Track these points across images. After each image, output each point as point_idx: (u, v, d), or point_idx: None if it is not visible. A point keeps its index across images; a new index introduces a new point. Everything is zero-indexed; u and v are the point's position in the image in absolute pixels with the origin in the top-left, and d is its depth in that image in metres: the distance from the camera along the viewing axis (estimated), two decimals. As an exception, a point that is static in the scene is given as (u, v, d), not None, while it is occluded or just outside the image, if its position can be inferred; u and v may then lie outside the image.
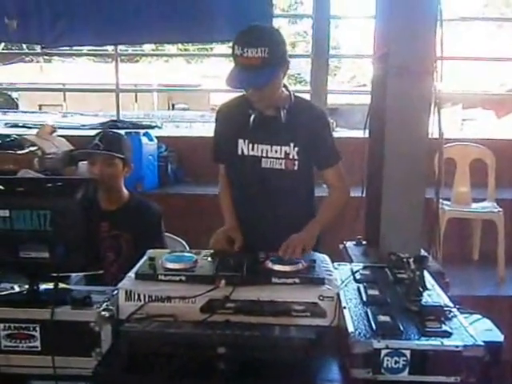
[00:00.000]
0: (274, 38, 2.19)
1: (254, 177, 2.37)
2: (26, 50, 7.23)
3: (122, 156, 2.62)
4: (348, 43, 23.12)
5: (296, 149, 2.32)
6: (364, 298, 1.78)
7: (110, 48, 6.00)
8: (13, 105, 21.02)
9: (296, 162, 2.33)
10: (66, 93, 18.33)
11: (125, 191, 2.72)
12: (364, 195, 2.94)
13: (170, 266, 1.87)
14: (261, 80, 2.15)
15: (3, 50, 6.31)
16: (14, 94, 21.09)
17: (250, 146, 2.34)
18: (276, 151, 2.33)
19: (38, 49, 5.78)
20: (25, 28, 4.32)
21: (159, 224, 2.71)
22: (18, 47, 6.97)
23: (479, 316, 1.78)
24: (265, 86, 2.19)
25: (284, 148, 2.32)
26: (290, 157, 2.32)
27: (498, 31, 17.96)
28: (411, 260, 1.89)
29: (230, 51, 2.21)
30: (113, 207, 2.63)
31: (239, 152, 2.36)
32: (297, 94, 2.43)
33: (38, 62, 19.72)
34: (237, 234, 2.30)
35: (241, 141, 2.35)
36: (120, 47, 5.99)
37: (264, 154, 2.34)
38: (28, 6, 4.26)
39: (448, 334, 1.54)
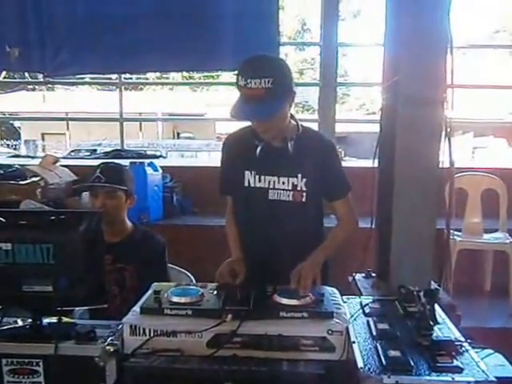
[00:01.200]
0: (278, 68, 2.17)
1: (261, 208, 2.34)
2: (29, 79, 7.27)
3: (124, 188, 2.60)
4: (356, 71, 23.38)
5: (304, 180, 2.30)
6: (374, 332, 1.74)
7: (113, 76, 6.02)
8: (15, 134, 21.17)
9: (304, 194, 2.30)
10: (69, 121, 18.45)
11: (128, 223, 2.70)
12: (373, 226, 2.91)
13: (176, 299, 1.84)
14: (265, 112, 2.12)
15: (5, 78, 6.37)
16: (17, 123, 21.25)
17: (257, 177, 2.32)
18: (283, 183, 2.30)
19: (41, 77, 5.80)
20: (27, 57, 4.33)
21: (163, 256, 2.68)
22: (20, 76, 7.00)
23: (491, 351, 1.75)
24: (270, 118, 2.17)
25: (291, 180, 2.30)
26: (298, 188, 2.30)
27: (510, 58, 18.08)
28: (421, 293, 1.87)
29: (235, 79, 2.19)
30: (116, 239, 2.60)
31: (246, 184, 2.34)
32: (304, 124, 2.41)
33: (40, 90, 19.86)
34: (240, 267, 2.26)
35: (247, 172, 2.33)
36: (124, 75, 6.01)
37: (271, 186, 2.31)
38: (30, 34, 4.28)
39: (459, 370, 1.50)
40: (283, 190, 2.30)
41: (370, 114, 22.85)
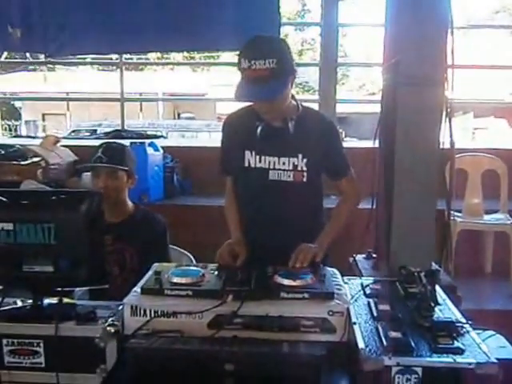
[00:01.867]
0: (280, 49, 2.17)
1: (261, 189, 2.34)
2: (30, 59, 7.24)
3: (125, 168, 2.59)
4: (356, 51, 23.25)
5: (305, 160, 2.29)
6: (374, 314, 1.74)
7: (114, 57, 6.00)
8: (16, 114, 21.12)
9: (305, 174, 2.30)
10: (69, 102, 18.39)
11: (129, 203, 2.69)
12: (374, 207, 2.90)
13: (177, 280, 1.84)
14: (270, 92, 2.13)
15: (6, 58, 6.36)
16: (18, 103, 21.18)
17: (257, 157, 2.32)
18: (284, 163, 2.30)
19: (42, 58, 5.77)
20: (28, 37, 4.31)
21: (164, 237, 2.68)
22: (21, 56, 6.95)
23: (492, 332, 1.76)
24: (274, 98, 2.17)
25: (292, 160, 2.29)
26: (299, 168, 2.30)
27: (510, 38, 17.97)
28: (422, 274, 1.86)
29: (236, 60, 2.18)
30: (117, 220, 2.59)
31: (246, 164, 2.34)
32: (305, 104, 2.40)
33: (41, 70, 19.78)
34: (241, 249, 2.26)
35: (248, 152, 2.33)
36: (125, 56, 5.98)
37: (271, 166, 2.31)
38: (32, 15, 4.25)
39: (460, 351, 1.50)
40: (284, 170, 2.30)
41: (370, 94, 22.78)
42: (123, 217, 2.63)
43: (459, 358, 1.46)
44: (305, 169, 2.30)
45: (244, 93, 2.14)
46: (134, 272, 2.45)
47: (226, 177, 2.51)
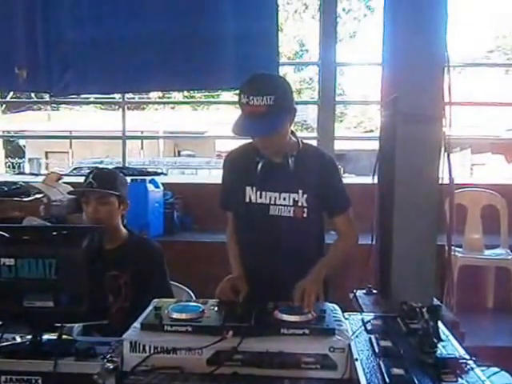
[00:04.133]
0: (279, 86, 2.19)
1: (262, 224, 2.34)
2: (35, 99, 7.36)
3: (116, 193, 2.54)
4: (354, 89, 23.62)
5: (305, 196, 2.30)
6: (376, 350, 1.72)
7: (117, 96, 6.09)
8: (20, 152, 21.34)
9: (305, 210, 2.30)
10: (72, 140, 18.58)
11: (123, 229, 2.63)
12: (374, 242, 2.90)
13: (177, 316, 1.82)
14: (267, 128, 2.14)
15: (12, 98, 6.48)
16: (22, 142, 21.44)
17: (258, 193, 2.32)
18: (284, 198, 2.30)
19: (47, 97, 5.87)
20: (34, 77, 4.38)
21: (162, 263, 2.62)
22: (26, 96, 7.08)
23: (497, 369, 1.70)
24: (271, 134, 2.18)
25: (292, 195, 2.30)
26: (299, 204, 2.30)
27: (505, 76, 18.28)
28: (424, 309, 1.84)
29: (235, 98, 2.21)
30: (110, 246, 2.47)
31: (247, 199, 2.34)
32: (305, 141, 2.42)
33: (46, 109, 20.08)
34: (242, 284, 2.25)
35: (248, 188, 2.33)
36: (127, 95, 6.07)
37: (272, 202, 2.31)
38: (38, 56, 4.34)
39: None
40: (284, 205, 2.30)
41: (368, 131, 23.06)
42: (117, 243, 2.56)
43: (464, 396, 1.43)
44: (305, 204, 2.30)
45: (242, 128, 2.16)
46: (129, 300, 2.42)
47: (226, 211, 2.51)
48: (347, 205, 2.41)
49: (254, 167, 2.29)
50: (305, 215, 2.30)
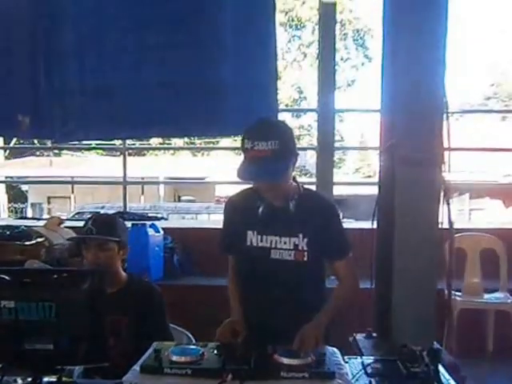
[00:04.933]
0: (283, 131, 2.23)
1: (263, 268, 2.34)
2: (37, 145, 7.48)
3: (116, 239, 2.55)
4: (352, 136, 23.89)
5: (305, 240, 2.31)
6: (377, 394, 1.71)
7: (117, 142, 6.18)
8: (22, 197, 21.46)
9: (306, 253, 2.31)
10: (74, 185, 18.69)
11: (122, 274, 2.64)
12: (373, 286, 2.90)
13: (176, 359, 1.82)
14: (272, 173, 2.16)
15: (15, 144, 6.58)
16: (24, 187, 21.61)
17: (259, 237, 2.33)
18: (285, 242, 2.31)
19: (49, 143, 5.94)
20: (37, 125, 4.43)
21: (161, 305, 2.61)
22: (29, 142, 7.19)
23: None
24: (276, 179, 2.20)
25: (293, 239, 2.31)
26: (300, 248, 2.31)
27: (502, 122, 18.56)
28: (424, 353, 1.84)
29: (235, 144, 2.26)
30: (110, 290, 2.46)
31: (248, 243, 2.35)
32: (305, 186, 2.45)
33: (48, 155, 20.29)
34: (240, 327, 2.24)
35: (250, 232, 2.35)
36: (128, 141, 6.13)
37: (273, 246, 2.32)
38: (40, 104, 4.41)
39: None
40: (285, 249, 2.31)
41: (367, 177, 23.23)
42: (117, 287, 2.56)
43: None
44: (306, 248, 2.31)
45: (246, 172, 2.18)
46: (130, 343, 2.40)
47: (227, 255, 2.52)
48: (347, 250, 2.41)
49: (255, 211, 2.30)
50: (305, 259, 2.31)
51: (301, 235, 2.31)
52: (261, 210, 2.29)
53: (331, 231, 2.37)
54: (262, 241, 2.33)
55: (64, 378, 1.79)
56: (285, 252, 2.31)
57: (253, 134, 2.17)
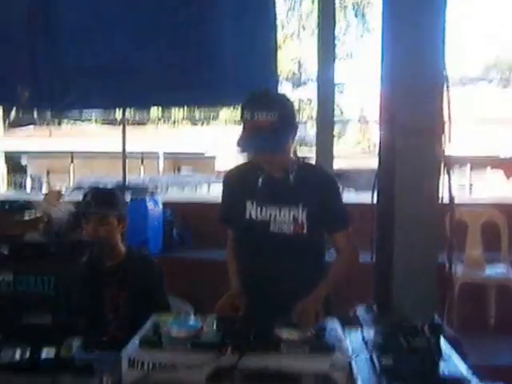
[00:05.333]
0: (283, 103, 2.22)
1: (262, 241, 2.33)
2: (37, 116, 7.48)
3: (115, 213, 2.56)
4: (351, 108, 23.81)
5: (305, 212, 2.29)
6: (377, 368, 1.70)
7: (117, 114, 6.15)
8: (21, 170, 21.48)
9: (305, 226, 2.30)
10: (73, 158, 18.69)
11: (122, 247, 2.63)
12: (373, 260, 2.89)
13: (175, 332, 1.81)
14: (271, 145, 2.16)
15: (15, 116, 6.59)
16: (23, 160, 21.61)
17: (259, 208, 2.32)
18: (284, 215, 2.30)
19: (49, 114, 5.93)
20: (36, 96, 4.47)
21: (160, 279, 2.63)
22: (28, 112, 7.20)
23: None
24: (276, 151, 2.20)
25: (292, 212, 2.30)
26: (299, 221, 2.30)
27: (503, 91, 18.46)
28: (425, 327, 1.82)
29: (235, 115, 2.23)
30: (109, 263, 2.49)
31: (247, 216, 2.34)
32: (305, 160, 2.44)
33: (47, 124, 20.23)
34: (240, 301, 2.25)
35: (249, 203, 2.33)
36: (127, 113, 6.10)
37: (272, 218, 2.31)
38: (40, 75, 4.42)
39: None
40: (284, 222, 2.30)
41: (367, 150, 23.20)
42: (116, 260, 2.56)
43: (470, 417, 1.40)
44: (305, 221, 2.30)
45: (245, 144, 2.19)
46: (128, 317, 2.40)
47: (225, 225, 2.51)
48: (347, 222, 2.41)
49: (254, 182, 2.30)
50: (305, 231, 2.30)
51: (300, 207, 2.30)
52: (260, 180, 2.29)
53: (331, 204, 2.36)
54: (261, 212, 2.32)
55: (62, 351, 1.78)
56: (284, 225, 2.31)
57: (252, 104, 2.17)
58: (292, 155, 2.34)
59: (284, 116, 2.15)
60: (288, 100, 2.31)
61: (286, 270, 2.33)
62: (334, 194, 2.40)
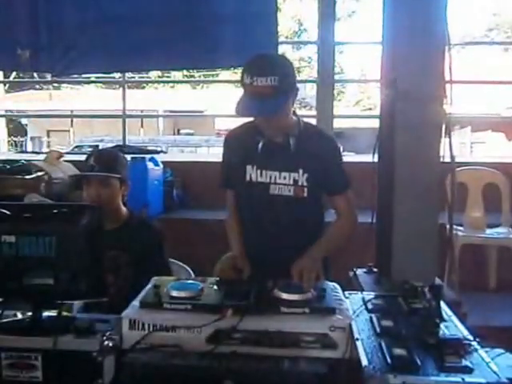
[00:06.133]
0: (283, 67, 2.19)
1: (262, 203, 2.33)
2: (37, 78, 7.40)
3: (117, 176, 2.54)
4: (352, 68, 23.58)
5: (305, 175, 2.29)
6: (377, 329, 1.69)
7: (117, 75, 6.13)
8: (22, 131, 21.45)
9: (305, 189, 2.30)
10: (73, 118, 18.61)
11: (123, 210, 2.63)
12: (374, 221, 2.88)
13: (176, 294, 1.81)
14: (271, 109, 2.14)
15: (15, 78, 6.52)
16: (24, 120, 21.58)
17: (259, 172, 2.32)
18: (285, 178, 2.30)
19: (49, 77, 5.93)
20: (36, 58, 4.46)
21: (161, 243, 2.62)
22: (28, 75, 7.14)
23: (502, 350, 1.65)
24: (275, 114, 2.18)
25: (293, 174, 2.29)
26: (299, 183, 2.29)
27: (505, 53, 18.26)
28: (426, 289, 1.82)
29: (234, 77, 2.20)
30: (111, 226, 2.47)
31: (247, 178, 2.33)
32: (306, 121, 2.41)
33: (47, 89, 20.11)
34: (244, 263, 2.25)
35: (249, 167, 2.33)
36: (127, 74, 6.08)
37: (272, 181, 2.31)
38: (40, 37, 4.41)
39: (469, 370, 1.43)
40: (284, 184, 2.30)
41: (367, 109, 23.05)
42: (117, 224, 2.56)
43: (468, 378, 1.40)
44: (305, 184, 2.30)
45: (245, 108, 2.16)
46: (129, 280, 2.42)
47: (227, 190, 2.50)
48: (347, 185, 2.40)
49: (254, 146, 2.28)
50: (305, 194, 2.30)
51: (301, 171, 2.29)
52: (260, 145, 2.28)
53: (331, 166, 2.36)
54: (261, 176, 2.32)
55: (63, 313, 1.80)
56: (284, 187, 2.30)
57: (252, 69, 2.14)
58: (293, 116, 2.32)
59: (284, 79, 2.12)
60: (288, 62, 2.29)
61: (285, 231, 2.34)
62: (334, 157, 2.39)
